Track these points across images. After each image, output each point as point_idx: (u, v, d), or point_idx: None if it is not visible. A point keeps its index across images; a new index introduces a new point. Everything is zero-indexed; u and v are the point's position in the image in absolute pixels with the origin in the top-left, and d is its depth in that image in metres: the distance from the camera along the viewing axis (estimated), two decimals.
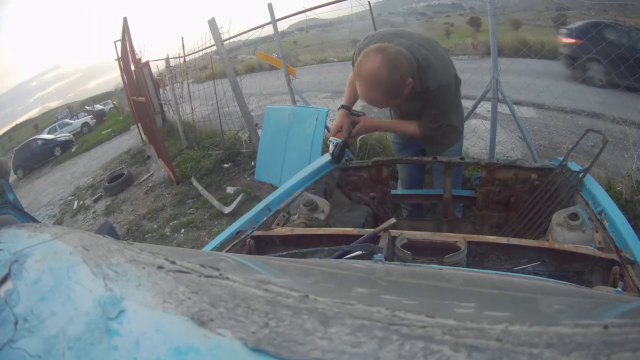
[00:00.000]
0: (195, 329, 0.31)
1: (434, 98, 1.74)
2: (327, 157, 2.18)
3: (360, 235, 1.34)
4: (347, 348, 0.26)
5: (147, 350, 0.31)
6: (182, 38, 7.19)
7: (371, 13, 3.82)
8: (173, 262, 0.43)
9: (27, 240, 0.49)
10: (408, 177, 2.47)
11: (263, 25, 4.70)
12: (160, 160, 6.46)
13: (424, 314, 0.29)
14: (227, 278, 0.38)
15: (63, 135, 19.62)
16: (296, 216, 1.63)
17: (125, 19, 5.88)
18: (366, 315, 0.29)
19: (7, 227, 0.57)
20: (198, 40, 6.27)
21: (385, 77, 1.48)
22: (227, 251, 1.29)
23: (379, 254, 1.07)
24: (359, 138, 4.32)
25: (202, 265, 0.42)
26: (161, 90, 8.85)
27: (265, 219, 1.60)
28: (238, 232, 1.23)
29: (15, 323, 0.36)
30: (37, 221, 0.72)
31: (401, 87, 1.54)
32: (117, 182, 6.59)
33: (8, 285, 0.41)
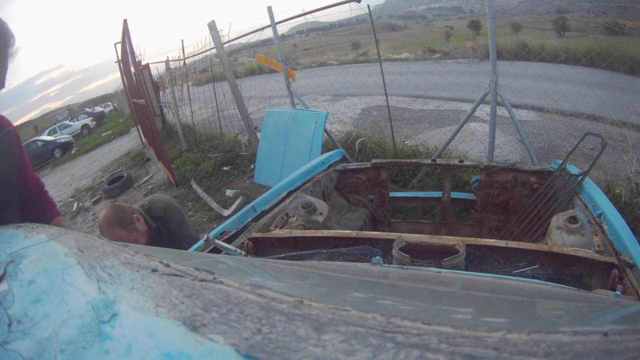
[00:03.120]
0: (188, 334, 0.30)
1: (175, 223, 2.03)
2: (317, 159, 2.19)
3: (359, 238, 1.34)
4: (341, 356, 0.26)
5: (138, 355, 0.30)
6: (182, 40, 7.21)
7: (370, 16, 3.83)
8: (167, 265, 0.42)
9: (23, 241, 0.49)
10: None
11: (263, 29, 4.71)
12: (160, 163, 6.45)
13: (420, 321, 0.28)
14: (221, 282, 0.38)
15: (63, 137, 19.62)
16: (294, 218, 1.62)
17: (125, 22, 5.88)
18: (361, 322, 0.29)
19: (5, 227, 0.56)
20: (198, 43, 6.28)
21: (112, 215, 1.81)
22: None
23: (377, 257, 1.06)
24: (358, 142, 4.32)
25: (197, 269, 0.41)
26: (161, 93, 8.86)
27: (249, 219, 1.61)
28: (206, 239, 1.23)
29: (9, 324, 0.36)
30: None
31: (130, 220, 1.85)
32: (117, 184, 6.58)
33: (3, 286, 0.40)
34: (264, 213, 1.67)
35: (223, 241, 1.36)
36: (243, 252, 1.28)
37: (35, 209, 1.69)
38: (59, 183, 10.07)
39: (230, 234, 1.51)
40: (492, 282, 0.87)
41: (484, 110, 4.53)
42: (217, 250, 1.27)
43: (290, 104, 4.71)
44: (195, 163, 6.01)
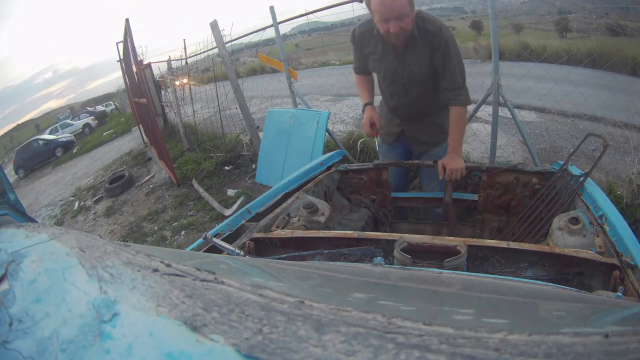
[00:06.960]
0: (188, 334, 0.31)
1: (444, 50, 1.82)
2: (316, 160, 2.19)
3: (360, 239, 1.34)
4: (341, 356, 0.26)
5: (139, 354, 0.30)
6: (184, 40, 7.23)
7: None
8: (168, 265, 0.42)
9: (25, 241, 0.49)
10: (394, 179, 2.47)
11: (265, 28, 4.70)
12: (162, 162, 6.47)
13: (420, 322, 0.28)
14: (222, 282, 0.38)
15: (64, 135, 19.67)
16: (296, 218, 1.62)
17: (127, 21, 5.89)
18: (362, 322, 0.29)
19: (6, 227, 0.56)
20: (200, 43, 6.29)
21: None
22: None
23: (379, 258, 1.06)
24: (359, 142, 4.33)
25: (198, 269, 0.41)
26: (163, 92, 8.88)
27: (243, 222, 1.60)
28: (205, 237, 1.23)
29: (10, 324, 0.36)
30: (35, 221, 0.72)
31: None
32: (118, 183, 6.60)
33: (4, 285, 0.40)
34: (258, 215, 1.66)
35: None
36: (242, 252, 1.28)
37: None
38: (60, 182, 10.10)
39: (224, 235, 1.51)
40: (493, 283, 0.87)
41: (485, 111, 4.52)
42: (217, 250, 1.27)
43: (292, 103, 4.71)
44: (197, 162, 6.02)
